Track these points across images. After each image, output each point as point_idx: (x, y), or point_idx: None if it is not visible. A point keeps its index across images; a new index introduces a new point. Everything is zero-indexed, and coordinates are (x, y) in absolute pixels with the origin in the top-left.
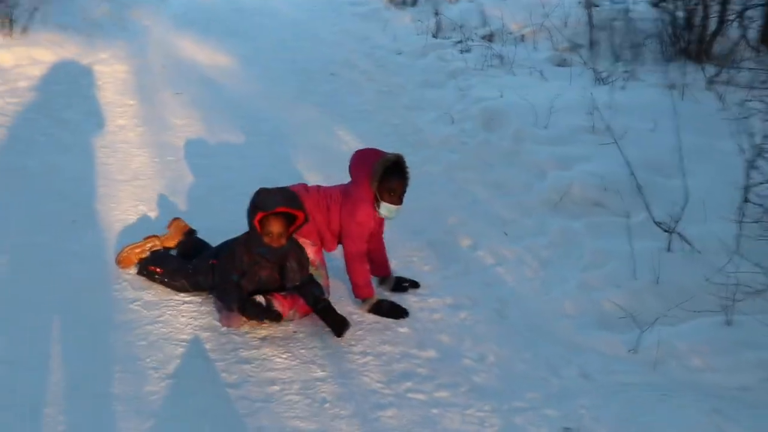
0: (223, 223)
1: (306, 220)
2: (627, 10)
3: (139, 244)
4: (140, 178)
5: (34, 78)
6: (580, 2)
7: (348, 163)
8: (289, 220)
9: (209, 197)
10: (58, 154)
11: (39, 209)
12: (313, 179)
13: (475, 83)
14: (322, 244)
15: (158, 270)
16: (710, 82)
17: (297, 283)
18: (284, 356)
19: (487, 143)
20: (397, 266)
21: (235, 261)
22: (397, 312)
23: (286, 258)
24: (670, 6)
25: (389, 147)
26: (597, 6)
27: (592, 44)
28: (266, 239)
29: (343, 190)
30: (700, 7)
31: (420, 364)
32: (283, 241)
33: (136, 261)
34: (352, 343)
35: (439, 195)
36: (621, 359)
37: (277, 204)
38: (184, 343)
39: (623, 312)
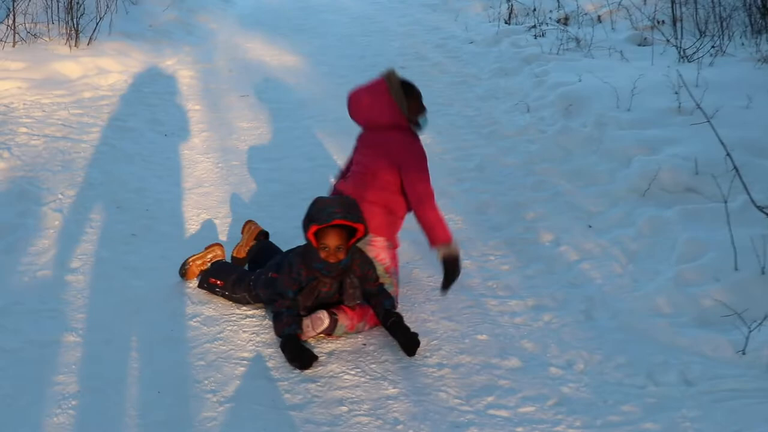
0: (291, 230)
1: (366, 233)
2: None
3: (200, 255)
4: (204, 185)
5: (100, 88)
6: None
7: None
8: (349, 231)
9: (276, 202)
10: (121, 164)
11: (100, 222)
12: None
13: (552, 68)
14: (395, 220)
15: (219, 282)
16: None
17: (358, 301)
18: (353, 372)
19: (567, 131)
20: (473, 266)
21: (293, 275)
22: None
23: (346, 273)
24: None
25: (464, 140)
26: None
27: (675, 20)
28: (323, 254)
29: (373, 148)
30: None
31: (502, 375)
32: (342, 255)
33: (198, 273)
34: (427, 354)
35: (517, 189)
36: (727, 362)
37: (334, 216)
38: (244, 362)
39: (726, 308)
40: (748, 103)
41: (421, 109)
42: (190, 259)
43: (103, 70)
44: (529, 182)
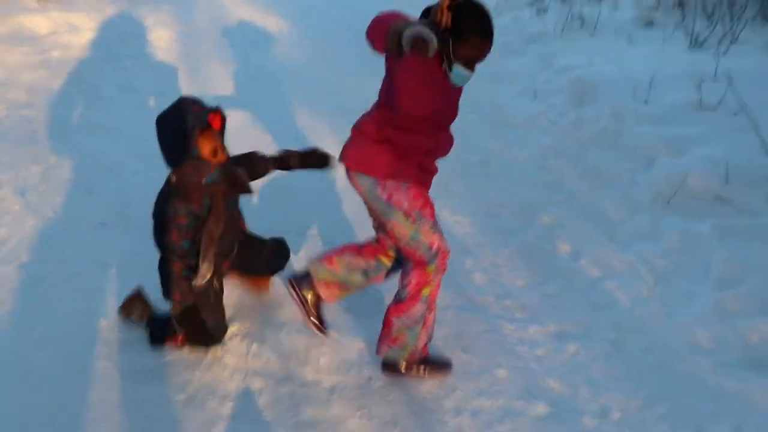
0: (285, 225)
1: (224, 123)
2: None
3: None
4: None
5: (71, 47)
6: None
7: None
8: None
9: (270, 192)
10: (92, 139)
11: (67, 207)
12: None
13: (558, 49)
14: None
15: (179, 339)
16: None
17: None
18: (358, 415)
19: (581, 122)
20: (484, 279)
21: (179, 221)
22: None
23: (234, 168)
24: None
25: (467, 127)
26: None
27: (682, 3)
28: (213, 159)
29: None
30: None
31: (529, 424)
32: (227, 153)
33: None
34: (441, 394)
35: (529, 187)
36: None
37: (207, 112)
38: (230, 398)
39: None
40: None
41: (465, 55)
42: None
43: (74, 27)
44: (543, 181)
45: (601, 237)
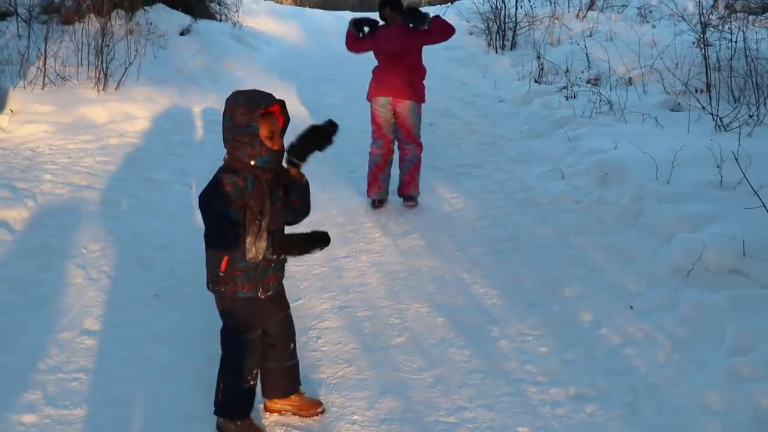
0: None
1: (287, 123)
2: (746, 49)
3: None
4: None
5: (126, 134)
6: (693, 43)
7: None
8: None
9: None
10: (146, 219)
11: (124, 281)
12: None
13: (585, 133)
14: None
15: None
16: None
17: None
18: None
19: (604, 202)
20: (509, 347)
21: (226, 187)
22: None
23: (281, 165)
24: None
25: (496, 206)
26: (711, 45)
27: (709, 87)
28: (268, 143)
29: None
30: None
31: None
32: (283, 145)
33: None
34: None
35: (554, 262)
36: None
37: (273, 99)
38: None
39: None
40: None
41: None
42: None
43: (130, 115)
44: (566, 256)
45: (621, 308)
